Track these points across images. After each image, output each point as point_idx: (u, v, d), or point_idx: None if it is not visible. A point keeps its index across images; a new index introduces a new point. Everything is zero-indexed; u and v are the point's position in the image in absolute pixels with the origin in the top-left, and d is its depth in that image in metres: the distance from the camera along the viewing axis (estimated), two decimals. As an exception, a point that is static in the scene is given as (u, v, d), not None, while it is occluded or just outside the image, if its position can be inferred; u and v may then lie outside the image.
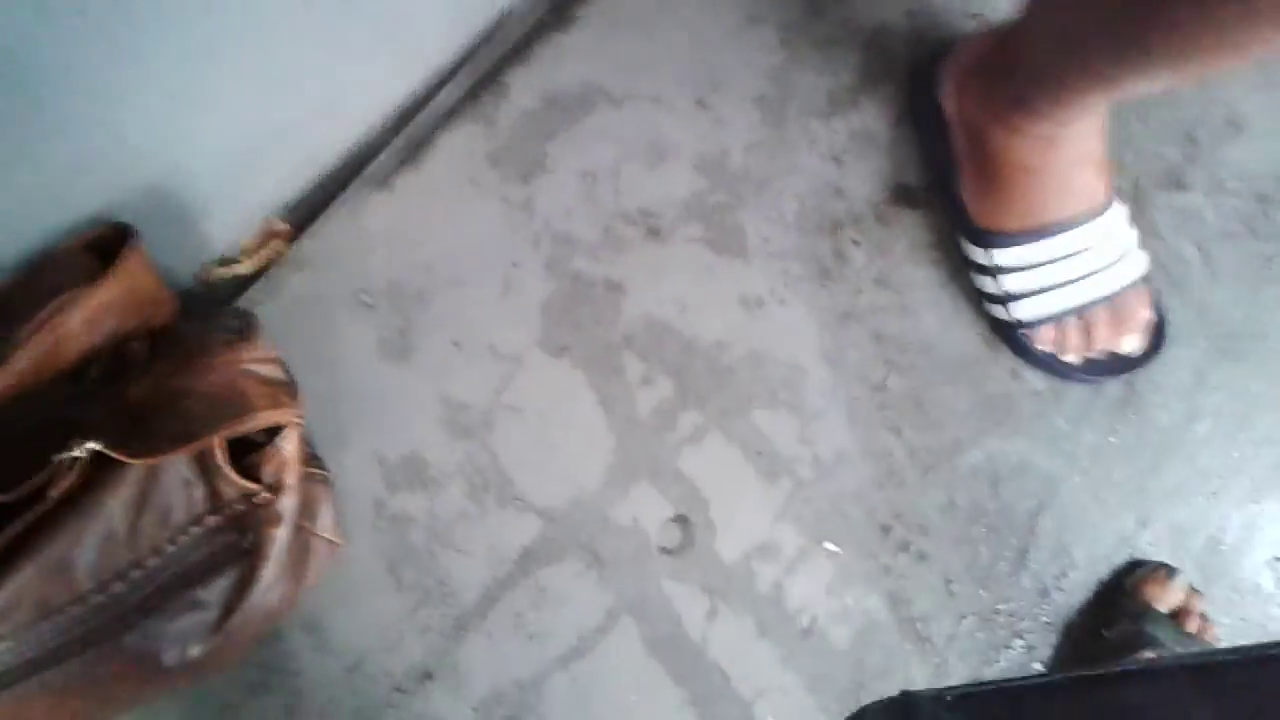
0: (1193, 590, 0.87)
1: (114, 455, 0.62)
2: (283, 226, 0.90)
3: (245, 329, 0.72)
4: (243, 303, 0.88)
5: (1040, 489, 0.89)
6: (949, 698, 0.42)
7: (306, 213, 0.91)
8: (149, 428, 0.65)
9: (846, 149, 0.93)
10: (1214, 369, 0.90)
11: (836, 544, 0.87)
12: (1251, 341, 0.90)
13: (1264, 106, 0.95)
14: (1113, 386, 0.89)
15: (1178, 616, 0.84)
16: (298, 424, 0.70)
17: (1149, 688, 0.39)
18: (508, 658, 0.85)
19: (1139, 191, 0.93)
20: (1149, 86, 0.67)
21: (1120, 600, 0.86)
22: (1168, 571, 0.86)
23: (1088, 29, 0.66)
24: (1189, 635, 0.82)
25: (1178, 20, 0.57)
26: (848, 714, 0.50)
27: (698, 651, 0.86)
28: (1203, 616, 0.85)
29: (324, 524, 0.80)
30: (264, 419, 0.67)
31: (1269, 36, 0.55)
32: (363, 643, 0.85)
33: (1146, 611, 0.83)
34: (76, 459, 0.62)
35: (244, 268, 0.89)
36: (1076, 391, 0.89)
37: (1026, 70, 0.76)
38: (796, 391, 0.89)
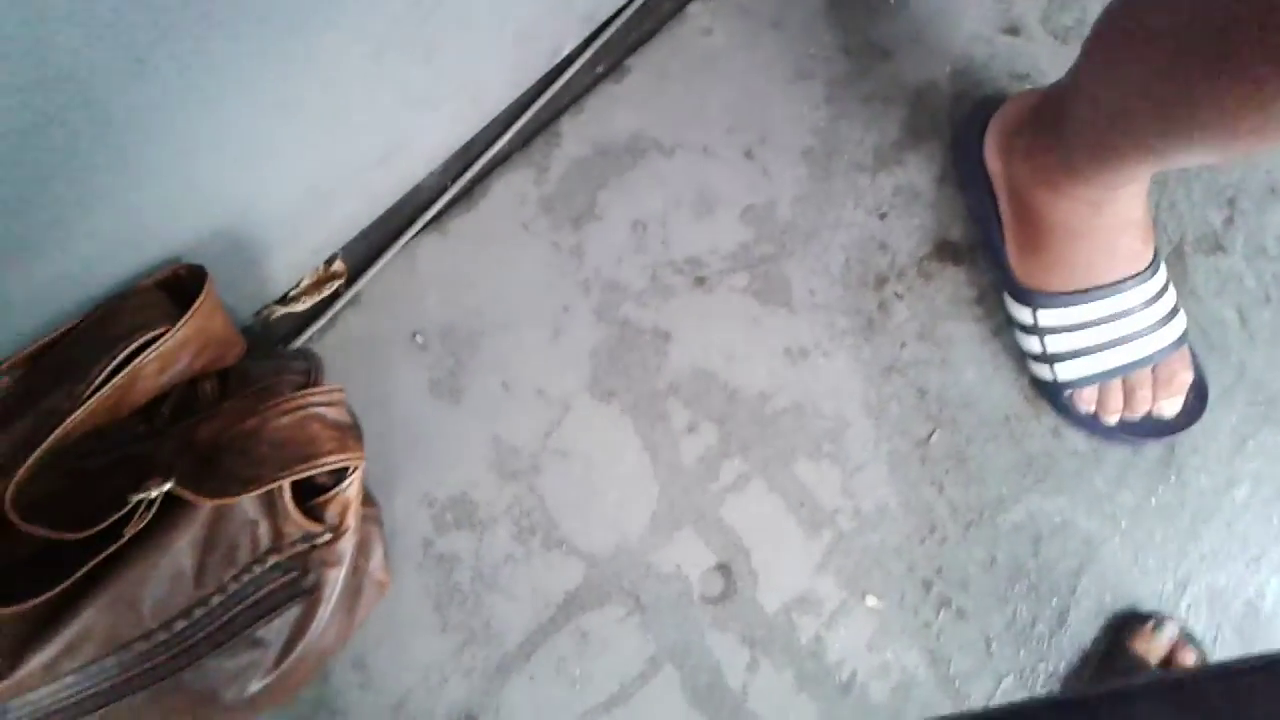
0: (1184, 638, 0.87)
1: (187, 496, 0.63)
2: (340, 267, 0.92)
3: (312, 371, 0.74)
4: (300, 342, 0.89)
5: (1081, 549, 0.90)
6: None
7: (363, 254, 0.93)
8: (219, 468, 0.66)
9: (891, 204, 0.95)
10: (1254, 433, 0.91)
11: (877, 598, 0.88)
12: (1290, 407, 0.92)
13: (1304, 175, 0.96)
14: (1153, 448, 0.91)
15: (1169, 667, 0.85)
16: (361, 467, 0.71)
17: (1128, 708, 0.40)
18: (550, 702, 0.86)
19: (1180, 254, 0.94)
20: (1195, 160, 0.68)
21: (1116, 656, 0.87)
22: (1155, 623, 0.86)
23: (1137, 105, 0.66)
24: None
25: (1226, 105, 0.58)
26: None
27: (737, 703, 0.87)
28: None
29: (375, 563, 0.82)
30: (331, 462, 0.68)
31: None
32: (407, 682, 0.86)
33: (1138, 667, 0.84)
34: (150, 499, 0.63)
35: (302, 307, 0.91)
36: (1117, 452, 0.91)
37: (1073, 136, 0.77)
38: (839, 443, 0.91)
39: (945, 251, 0.94)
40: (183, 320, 0.67)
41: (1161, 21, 0.61)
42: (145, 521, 0.64)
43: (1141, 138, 0.68)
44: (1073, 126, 0.77)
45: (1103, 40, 0.70)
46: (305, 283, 0.90)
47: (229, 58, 0.58)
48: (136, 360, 0.67)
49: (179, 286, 0.72)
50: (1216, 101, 0.58)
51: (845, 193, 0.95)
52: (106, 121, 0.55)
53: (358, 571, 0.79)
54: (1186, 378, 0.88)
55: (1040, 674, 0.88)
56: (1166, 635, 0.86)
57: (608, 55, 0.97)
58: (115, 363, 0.66)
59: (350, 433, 0.71)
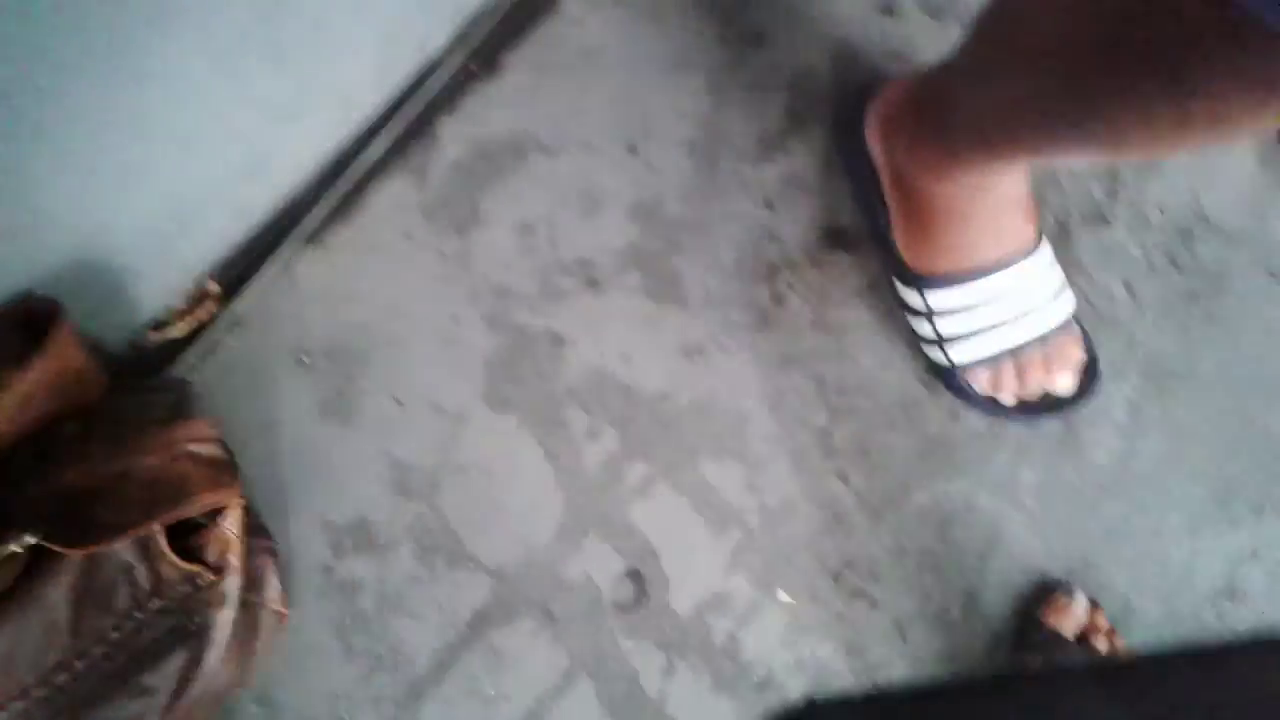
0: (1094, 607, 0.88)
1: (54, 548, 0.60)
2: (214, 288, 0.88)
3: (181, 403, 0.70)
4: (177, 366, 0.86)
5: (987, 530, 0.90)
6: (856, 702, 0.41)
7: (238, 272, 0.89)
8: (87, 515, 0.63)
9: (778, 193, 0.94)
10: (1147, 404, 0.92)
11: (789, 593, 0.88)
12: (1181, 377, 0.93)
13: (1181, 143, 0.97)
14: (1050, 426, 0.91)
15: (1085, 638, 0.86)
16: (239, 504, 0.68)
17: (1056, 689, 0.39)
18: (463, 723, 0.84)
19: (1064, 229, 0.95)
20: (1078, 163, 0.67)
21: (1029, 632, 0.87)
22: (1065, 593, 0.87)
23: (1021, 108, 0.64)
24: (1099, 655, 0.84)
25: (1115, 120, 0.56)
26: None
27: (656, 709, 0.85)
28: (1110, 632, 0.86)
29: (271, 595, 0.79)
30: (204, 502, 0.65)
31: (1200, 139, 0.55)
32: (316, 714, 0.83)
33: (1054, 640, 0.85)
34: (14, 553, 0.60)
35: (176, 331, 0.87)
36: (1015, 432, 0.91)
37: (954, 125, 0.75)
38: (742, 439, 0.90)
39: (835, 239, 0.93)
40: (31, 359, 0.63)
41: (1049, 27, 0.58)
42: (13, 577, 0.60)
43: (1025, 139, 0.67)
44: (954, 116, 0.75)
45: (987, 40, 0.67)
46: (177, 306, 0.86)
47: (58, 83, 0.54)
48: (-13, 408, 0.63)
49: (33, 320, 0.68)
50: (1104, 115, 0.57)
51: (731, 184, 0.94)
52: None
53: (250, 606, 0.75)
54: (1078, 353, 0.88)
55: (957, 657, 0.88)
56: (1079, 605, 0.86)
57: (481, 53, 0.94)
58: (-36, 412, 0.63)
59: (225, 469, 0.68)
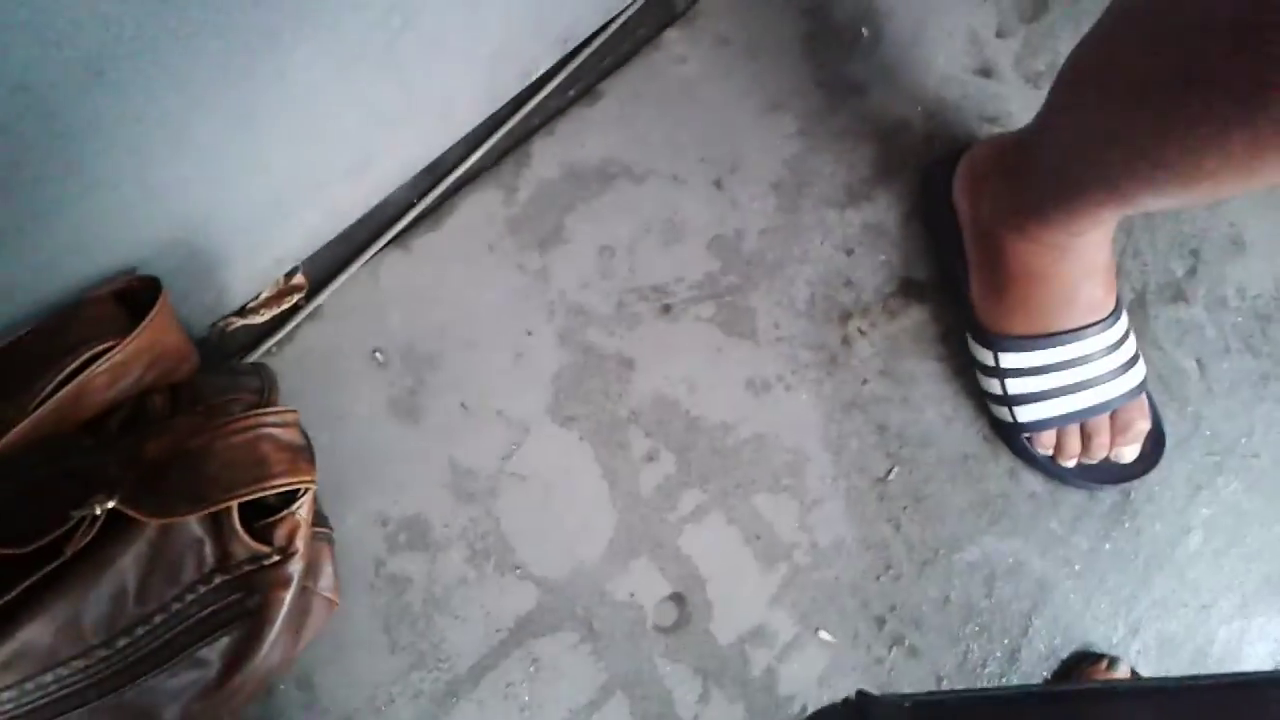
0: (1135, 677, 0.87)
1: (132, 514, 0.62)
2: (301, 280, 0.91)
3: (266, 388, 0.73)
4: (256, 355, 0.88)
5: (1034, 591, 0.90)
6: (907, 704, 0.42)
7: (326, 268, 0.92)
8: (166, 486, 0.65)
9: (859, 240, 0.95)
10: (1208, 483, 0.92)
11: (830, 633, 0.88)
12: (1245, 457, 0.92)
13: (1267, 227, 0.98)
14: (1108, 494, 0.91)
15: None
16: (312, 490, 0.70)
17: (1108, 706, 0.40)
18: (497, 727, 0.86)
19: (1142, 302, 0.95)
20: (1161, 203, 0.69)
21: None
22: (1109, 662, 0.87)
23: (1102, 143, 0.67)
24: None
25: (1189, 143, 0.59)
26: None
27: (688, 733, 0.86)
28: None
29: (325, 582, 0.80)
30: (281, 484, 0.67)
31: (1274, 167, 0.57)
32: (354, 702, 0.85)
33: None
34: (93, 516, 0.62)
35: (260, 319, 0.89)
36: (1073, 496, 0.91)
37: (1041, 178, 0.77)
38: (798, 477, 0.91)
39: (910, 290, 0.94)
40: (134, 334, 0.66)
41: (1128, 59, 0.62)
42: (88, 538, 0.63)
43: (1107, 177, 0.69)
44: (1040, 169, 0.77)
45: (1069, 79, 0.71)
46: (264, 295, 0.89)
47: (191, 71, 0.57)
48: (85, 373, 0.66)
49: (133, 297, 0.71)
50: (1180, 140, 0.59)
51: (813, 227, 0.95)
52: (61, 133, 0.54)
53: (306, 591, 0.77)
54: (1144, 425, 0.88)
55: (989, 716, 0.88)
56: (1121, 675, 0.86)
57: (582, 78, 0.97)
58: (64, 375, 0.65)
59: (302, 455, 0.70)
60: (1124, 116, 0.63)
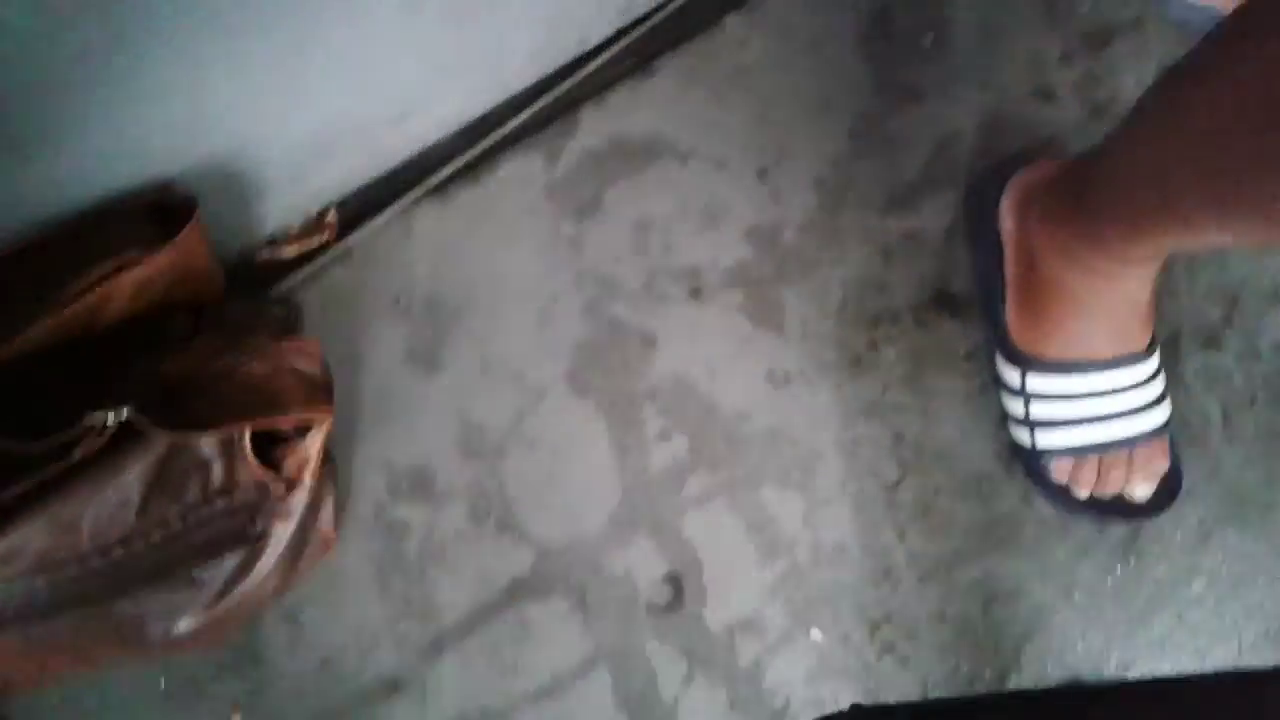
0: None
1: (145, 427, 0.62)
2: (333, 219, 0.90)
3: (292, 319, 0.73)
4: (281, 288, 0.88)
5: (1031, 616, 0.89)
6: (899, 712, 0.42)
7: (360, 210, 0.91)
8: (182, 405, 0.65)
9: (897, 247, 0.94)
10: (1218, 531, 0.91)
11: (823, 633, 0.88)
12: (1259, 509, 0.91)
13: (1311, 281, 0.96)
14: (1117, 529, 0.90)
15: None
16: (327, 425, 0.70)
17: (1111, 705, 0.40)
18: (479, 685, 0.85)
19: (1174, 344, 0.94)
20: (1223, 239, 0.67)
21: None
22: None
23: (1181, 167, 0.65)
24: None
25: (1266, 182, 0.56)
26: None
27: (667, 713, 0.86)
28: None
29: (324, 519, 0.80)
30: (297, 416, 0.67)
31: None
32: (337, 642, 0.85)
33: None
34: (105, 425, 0.62)
35: (288, 252, 0.89)
36: (1082, 527, 0.90)
37: (1102, 201, 0.75)
38: (808, 475, 0.90)
39: (944, 303, 0.93)
40: (166, 247, 0.66)
41: (1225, 86, 0.59)
42: (98, 446, 0.63)
43: (1177, 204, 0.66)
44: (1103, 192, 0.75)
45: (1158, 99, 0.68)
46: (296, 229, 0.89)
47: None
48: (112, 280, 0.65)
49: (167, 211, 0.71)
50: (1260, 177, 0.57)
51: (853, 229, 0.94)
52: (120, 36, 0.54)
53: (305, 526, 0.77)
54: (1162, 465, 0.87)
55: (971, 735, 0.88)
56: None
57: (638, 52, 0.96)
58: (91, 279, 0.65)
59: (321, 389, 0.70)
60: (1207, 142, 0.61)
